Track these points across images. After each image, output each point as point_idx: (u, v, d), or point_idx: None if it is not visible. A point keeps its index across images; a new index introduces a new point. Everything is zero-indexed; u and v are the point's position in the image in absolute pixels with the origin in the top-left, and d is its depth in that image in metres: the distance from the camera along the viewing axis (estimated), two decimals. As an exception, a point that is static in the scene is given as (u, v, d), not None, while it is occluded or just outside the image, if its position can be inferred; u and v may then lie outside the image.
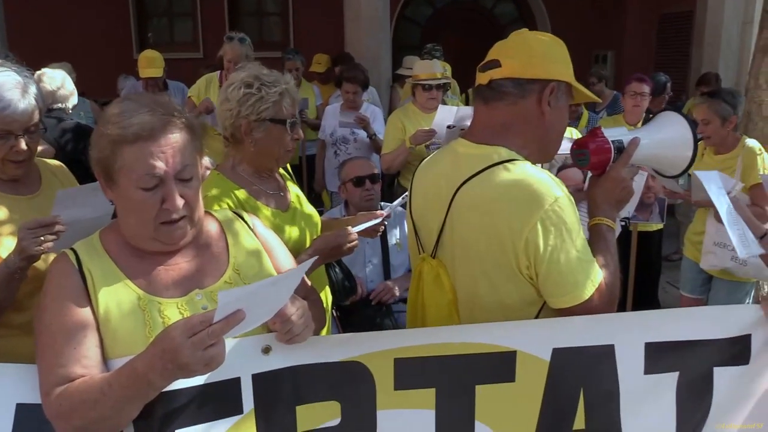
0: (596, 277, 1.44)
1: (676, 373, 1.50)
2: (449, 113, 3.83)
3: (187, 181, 1.31)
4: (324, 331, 2.10)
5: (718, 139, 3.44)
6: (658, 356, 1.48)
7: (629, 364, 1.47)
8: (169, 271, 1.35)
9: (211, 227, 1.46)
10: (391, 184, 4.52)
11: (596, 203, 1.60)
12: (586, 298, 1.42)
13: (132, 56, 8.51)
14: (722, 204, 1.96)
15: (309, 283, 1.63)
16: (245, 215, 1.55)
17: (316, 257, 1.41)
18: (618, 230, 2.07)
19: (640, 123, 4.51)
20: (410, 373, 1.42)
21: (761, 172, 3.23)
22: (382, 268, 3.17)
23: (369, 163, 3.42)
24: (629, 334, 1.48)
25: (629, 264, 4.26)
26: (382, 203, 3.40)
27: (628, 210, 3.29)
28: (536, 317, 1.51)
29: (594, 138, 1.61)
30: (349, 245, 1.96)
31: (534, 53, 1.52)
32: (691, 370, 1.51)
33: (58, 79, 3.66)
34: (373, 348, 1.40)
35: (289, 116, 1.93)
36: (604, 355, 1.46)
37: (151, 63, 5.05)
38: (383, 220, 2.09)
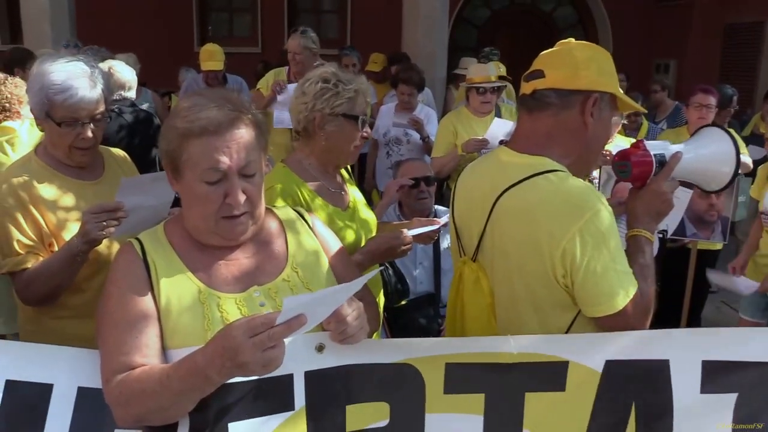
0: (631, 288, 1.45)
1: (735, 395, 1.45)
2: (504, 127, 3.78)
3: (250, 177, 1.31)
4: (378, 331, 2.10)
5: None
6: (716, 376, 1.44)
7: (685, 382, 1.44)
8: (229, 266, 1.35)
9: (272, 224, 1.47)
10: (440, 187, 4.48)
11: (635, 215, 1.60)
12: (620, 308, 1.43)
13: (193, 49, 8.72)
14: None
15: (366, 285, 1.61)
16: (306, 214, 1.56)
17: (376, 271, 1.40)
18: (656, 244, 2.03)
19: None
20: (461, 377, 1.41)
21: None
22: (433, 270, 3.14)
23: (424, 165, 3.40)
24: (686, 351, 1.46)
25: (686, 281, 4.14)
26: (436, 207, 3.39)
27: (666, 223, 3.19)
28: (571, 324, 1.51)
29: (636, 150, 1.61)
30: (403, 248, 1.95)
31: (578, 64, 1.53)
32: (751, 393, 1.46)
33: (123, 70, 3.76)
34: (427, 353, 1.40)
35: (362, 114, 1.98)
36: (659, 369, 1.44)
37: (212, 56, 5.15)
38: (440, 228, 2.07)
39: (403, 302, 3.03)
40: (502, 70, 4.04)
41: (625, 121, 4.60)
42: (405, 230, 1.97)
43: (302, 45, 4.34)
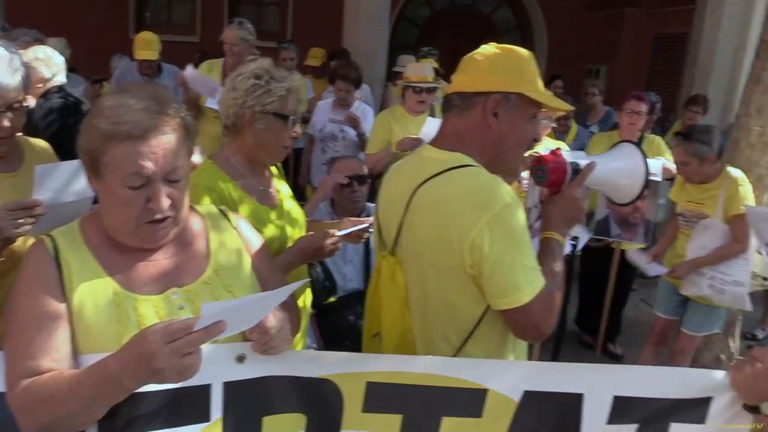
0: (538, 283, 1.48)
1: (636, 425, 1.53)
2: (437, 126, 3.82)
3: (175, 182, 1.28)
4: (300, 331, 2.11)
5: (699, 178, 3.47)
6: (624, 409, 1.51)
7: (594, 414, 1.50)
8: (147, 266, 1.31)
9: (195, 224, 1.43)
10: (374, 184, 4.52)
11: (549, 219, 1.67)
12: (526, 302, 1.46)
13: (128, 36, 8.44)
14: None
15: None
16: (230, 213, 1.53)
17: (302, 282, 1.40)
18: (568, 248, 2.11)
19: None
20: (381, 397, 1.42)
21: (743, 203, 3.26)
22: (363, 267, 3.17)
23: (359, 163, 3.41)
24: (601, 385, 1.51)
25: (608, 280, 4.33)
26: (370, 204, 3.41)
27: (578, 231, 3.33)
28: (481, 318, 1.54)
29: (553, 157, 1.68)
30: (331, 247, 1.96)
31: (478, 67, 1.58)
32: (651, 424, 1.54)
33: (47, 56, 3.61)
34: (348, 369, 1.40)
35: (292, 113, 1.95)
36: (573, 402, 1.49)
37: (147, 45, 5.00)
38: (369, 226, 2.09)
39: (332, 299, 3.05)
40: (439, 72, 4.10)
41: (555, 125, 4.74)
42: (334, 230, 1.99)
43: (239, 36, 4.26)
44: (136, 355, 1.06)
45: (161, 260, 1.34)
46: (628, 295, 4.77)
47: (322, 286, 2.29)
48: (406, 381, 1.42)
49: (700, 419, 1.55)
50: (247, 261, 1.46)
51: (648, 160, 1.73)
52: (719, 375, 1.56)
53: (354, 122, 4.62)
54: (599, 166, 1.69)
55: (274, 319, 1.25)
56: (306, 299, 2.21)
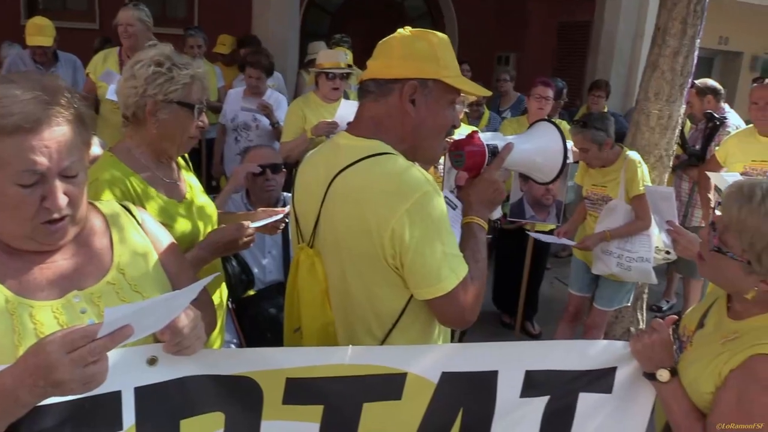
0: (461, 270, 1.46)
1: (547, 397, 1.60)
2: (352, 108, 3.79)
3: (72, 178, 1.18)
4: (218, 325, 2.03)
5: (599, 162, 3.61)
6: (535, 382, 1.57)
7: (508, 389, 1.55)
8: (44, 270, 1.21)
9: (95, 222, 1.33)
10: (290, 173, 4.44)
11: (470, 203, 1.64)
12: (449, 290, 1.44)
13: (19, 22, 7.88)
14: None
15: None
16: (133, 209, 1.44)
17: (212, 277, 1.28)
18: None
19: None
20: (301, 391, 1.39)
21: (642, 183, 3.43)
22: (282, 259, 3.10)
23: (272, 152, 3.32)
24: (514, 361, 1.56)
25: (525, 260, 4.45)
26: (285, 194, 3.34)
27: (499, 212, 3.42)
28: (404, 309, 1.52)
29: (470, 141, 1.66)
30: (245, 239, 1.89)
31: (393, 54, 1.53)
32: (560, 395, 1.61)
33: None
34: (266, 366, 1.36)
35: (198, 102, 1.85)
36: (488, 379, 1.53)
37: (40, 31, 4.65)
38: (284, 216, 2.03)
39: (252, 292, 2.97)
40: (350, 57, 4.06)
41: (467, 110, 4.82)
42: (247, 222, 1.92)
43: (134, 16, 4.04)
44: (33, 368, 0.97)
45: (59, 262, 1.24)
46: (543, 274, 4.94)
47: (239, 280, 2.21)
48: (327, 374, 1.40)
49: (608, 389, 1.64)
50: (155, 259, 1.38)
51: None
52: (622, 346, 1.64)
53: (266, 111, 4.51)
54: (517, 146, 1.67)
55: (186, 318, 1.17)
56: (222, 294, 2.13)
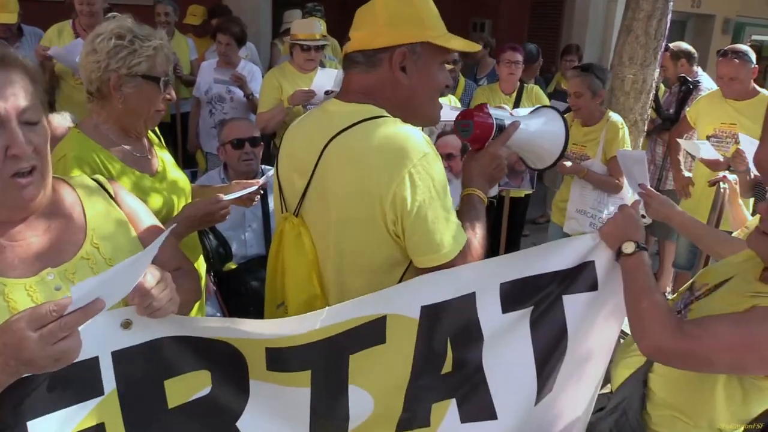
0: (462, 238, 1.44)
1: (530, 308, 1.57)
2: (328, 77, 3.76)
3: (34, 125, 1.15)
4: (202, 304, 2.03)
5: (587, 112, 3.61)
6: (512, 294, 1.53)
7: (488, 307, 1.52)
8: (15, 247, 1.19)
9: (66, 196, 1.31)
10: (267, 146, 4.40)
11: (471, 175, 1.63)
12: (450, 258, 1.42)
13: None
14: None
15: (182, 253, 1.54)
16: (106, 183, 1.41)
17: (165, 234, 1.24)
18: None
19: (515, 93, 4.67)
20: (283, 358, 1.38)
21: (620, 147, 3.45)
22: (263, 232, 3.10)
23: (249, 125, 3.29)
24: (487, 279, 1.52)
25: (501, 225, 4.50)
26: (263, 166, 3.31)
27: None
28: (401, 279, 1.50)
29: (480, 112, 1.64)
30: (221, 212, 1.87)
31: (377, 21, 1.48)
32: (542, 302, 1.58)
33: None
34: (244, 336, 1.34)
35: (163, 74, 1.81)
36: (467, 302, 1.49)
37: (4, 7, 4.49)
38: (258, 188, 2.02)
39: (233, 266, 2.97)
40: (323, 27, 4.00)
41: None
42: (221, 194, 1.90)
43: None
44: (2, 347, 0.96)
45: (30, 238, 1.21)
46: (519, 239, 4.99)
47: (216, 253, 2.20)
48: (307, 340, 1.38)
49: (593, 286, 1.61)
50: (130, 232, 1.36)
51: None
52: (591, 238, 1.62)
53: (240, 82, 4.44)
54: (522, 127, 1.66)
55: (153, 279, 1.15)
56: (200, 268, 2.12)
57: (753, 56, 3.79)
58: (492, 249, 4.62)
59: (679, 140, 4.12)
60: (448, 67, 4.26)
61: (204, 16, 6.36)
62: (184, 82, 5.38)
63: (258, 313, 3.13)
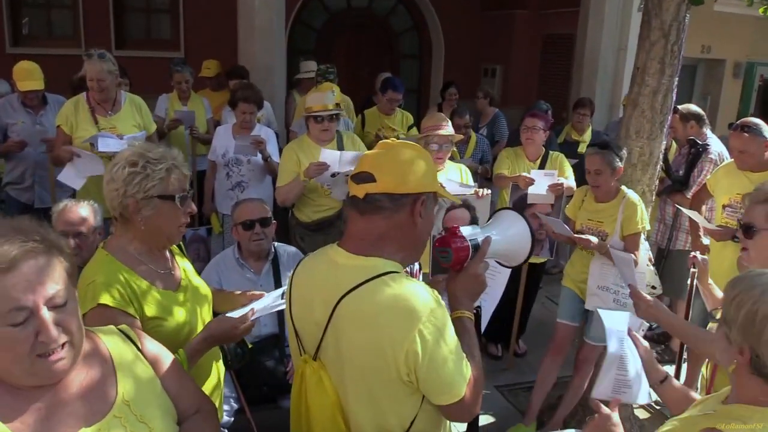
0: (468, 372, 1.58)
1: None
2: (333, 158, 3.85)
3: (61, 307, 1.21)
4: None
5: (605, 189, 3.65)
6: None
7: None
8: (50, 408, 1.24)
9: (96, 352, 1.37)
10: (285, 217, 4.48)
11: (456, 297, 1.74)
12: (462, 395, 1.56)
13: (4, 51, 7.88)
14: (614, 345, 2.06)
15: (202, 392, 1.61)
16: (132, 333, 1.48)
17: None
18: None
19: (539, 159, 4.70)
20: None
21: (639, 224, 3.51)
22: (277, 312, 3.14)
23: (260, 206, 3.38)
24: None
25: (518, 288, 4.54)
26: (276, 245, 3.40)
27: (483, 299, 3.44)
28: (416, 414, 1.61)
29: (454, 238, 1.74)
30: (243, 329, 1.95)
31: (406, 170, 1.62)
32: None
33: None
34: None
35: (179, 191, 1.91)
36: None
37: (29, 75, 4.65)
38: (282, 303, 2.07)
39: (249, 346, 3.02)
40: (337, 94, 4.09)
41: (455, 148, 4.86)
42: (247, 312, 1.97)
43: (105, 70, 4.10)
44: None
45: (64, 399, 1.27)
46: (534, 298, 5.01)
47: (234, 354, 2.27)
48: None
49: None
50: (158, 385, 1.42)
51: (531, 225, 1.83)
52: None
53: (261, 146, 4.53)
54: (494, 238, 1.77)
55: None
56: (219, 368, 2.19)
57: (765, 130, 3.81)
58: (502, 310, 4.70)
59: (685, 211, 4.20)
60: (458, 138, 4.32)
61: (218, 69, 6.54)
62: (201, 141, 5.52)
63: (272, 392, 3.18)
